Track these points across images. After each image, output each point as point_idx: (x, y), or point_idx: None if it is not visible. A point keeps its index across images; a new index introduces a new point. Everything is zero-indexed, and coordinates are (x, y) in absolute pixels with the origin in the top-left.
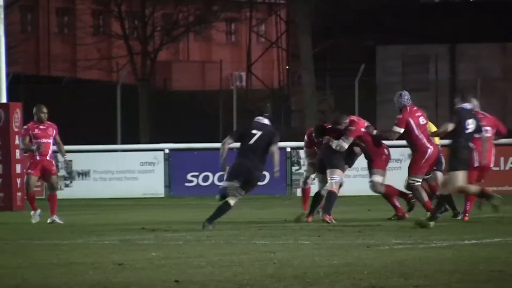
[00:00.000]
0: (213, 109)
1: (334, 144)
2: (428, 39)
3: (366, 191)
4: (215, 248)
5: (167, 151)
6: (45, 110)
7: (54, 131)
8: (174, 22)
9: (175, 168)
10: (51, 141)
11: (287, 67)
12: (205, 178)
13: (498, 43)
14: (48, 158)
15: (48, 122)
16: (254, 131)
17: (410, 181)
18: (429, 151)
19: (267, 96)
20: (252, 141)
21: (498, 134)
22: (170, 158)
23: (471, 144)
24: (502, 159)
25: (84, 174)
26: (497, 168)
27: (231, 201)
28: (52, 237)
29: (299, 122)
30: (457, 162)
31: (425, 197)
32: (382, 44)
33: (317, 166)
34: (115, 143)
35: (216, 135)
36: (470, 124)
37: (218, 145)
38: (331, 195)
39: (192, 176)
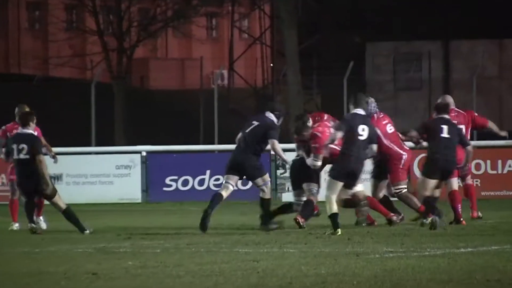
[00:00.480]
0: (193, 109)
1: (308, 162)
2: (420, 36)
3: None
4: (195, 256)
5: (144, 153)
6: (27, 110)
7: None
8: (152, 17)
9: (152, 172)
10: None
11: (272, 64)
12: (185, 182)
13: (494, 40)
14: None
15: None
16: (253, 122)
17: (396, 191)
18: (404, 157)
19: (250, 95)
20: (247, 131)
21: (480, 128)
22: (148, 161)
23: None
24: (499, 162)
25: (56, 178)
26: (494, 172)
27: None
28: (22, 245)
29: (284, 123)
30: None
31: (417, 202)
32: (372, 40)
33: (291, 182)
34: (89, 145)
35: (196, 137)
36: (362, 131)
37: (198, 147)
38: (310, 202)
39: (171, 180)
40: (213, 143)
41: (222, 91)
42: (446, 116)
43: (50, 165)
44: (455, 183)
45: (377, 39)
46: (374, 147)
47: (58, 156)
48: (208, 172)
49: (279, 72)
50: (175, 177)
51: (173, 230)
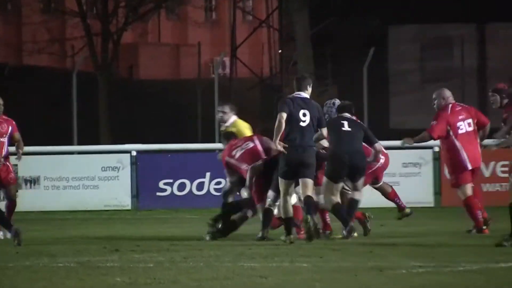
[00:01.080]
0: (189, 102)
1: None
2: (451, 18)
3: (379, 202)
4: (193, 271)
5: (134, 153)
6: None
7: (11, 128)
8: None
9: (143, 175)
10: (4, 140)
11: (280, 51)
12: (181, 187)
13: None
14: (2, 161)
15: (4, 117)
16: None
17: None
18: (381, 161)
19: (256, 86)
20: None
21: (480, 126)
22: (138, 162)
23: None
24: (492, 163)
25: (33, 181)
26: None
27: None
28: None
29: None
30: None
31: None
32: (395, 23)
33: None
34: (70, 143)
35: (194, 133)
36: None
37: (196, 146)
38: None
39: (165, 184)
40: (213, 141)
41: (223, 81)
42: (347, 115)
43: (25, 167)
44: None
45: (401, 21)
46: (324, 131)
47: (35, 157)
48: (208, 174)
49: (288, 60)
50: (170, 181)
51: (168, 242)
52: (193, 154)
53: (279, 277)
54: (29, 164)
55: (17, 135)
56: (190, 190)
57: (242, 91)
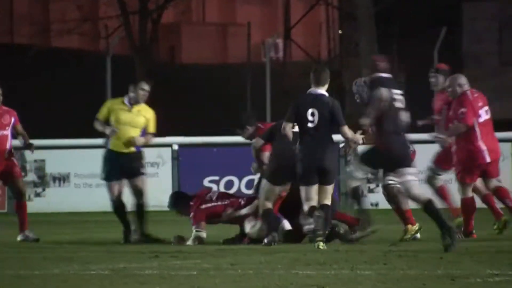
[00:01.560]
0: (238, 89)
1: None
2: None
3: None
4: (241, 280)
5: (175, 147)
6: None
7: (13, 119)
8: None
9: (186, 171)
10: (7, 132)
11: (340, 31)
12: (228, 185)
13: None
14: (6, 156)
15: (4, 107)
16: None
17: None
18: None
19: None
20: None
21: None
22: (180, 157)
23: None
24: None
25: (62, 179)
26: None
27: None
28: (18, 266)
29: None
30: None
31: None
32: (471, 0)
33: None
34: (103, 136)
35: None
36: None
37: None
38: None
39: (210, 181)
40: None
41: (275, 65)
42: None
43: (53, 162)
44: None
45: None
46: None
47: (63, 151)
48: None
49: (349, 41)
50: (216, 178)
51: (213, 246)
52: (242, 148)
53: (338, 287)
54: (57, 159)
55: (19, 127)
56: (239, 188)
57: (297, 76)
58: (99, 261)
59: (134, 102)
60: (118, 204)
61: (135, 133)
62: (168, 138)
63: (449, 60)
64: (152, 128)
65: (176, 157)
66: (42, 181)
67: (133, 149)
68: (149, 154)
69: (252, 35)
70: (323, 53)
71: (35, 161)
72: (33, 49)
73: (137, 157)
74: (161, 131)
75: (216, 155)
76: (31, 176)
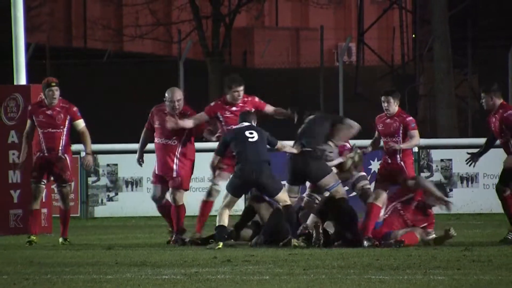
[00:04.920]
0: (311, 93)
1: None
2: None
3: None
4: (315, 285)
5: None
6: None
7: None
8: None
9: None
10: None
11: (414, 35)
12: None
13: None
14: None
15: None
16: None
17: None
18: None
19: (386, 75)
20: None
21: None
22: None
23: None
24: None
25: (134, 183)
26: None
27: None
28: (90, 270)
29: (430, 111)
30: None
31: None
32: None
33: None
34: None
35: None
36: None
37: None
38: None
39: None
40: None
41: (348, 70)
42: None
43: (126, 166)
44: None
45: None
46: None
47: (132, 155)
48: None
49: (423, 45)
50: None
51: (286, 251)
52: None
53: None
54: (130, 163)
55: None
56: None
57: (371, 81)
58: (171, 265)
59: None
60: None
61: None
62: None
63: None
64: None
65: None
66: (115, 185)
67: None
68: None
69: (325, 39)
70: (396, 57)
71: (108, 165)
72: (106, 54)
73: None
74: None
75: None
76: (104, 180)
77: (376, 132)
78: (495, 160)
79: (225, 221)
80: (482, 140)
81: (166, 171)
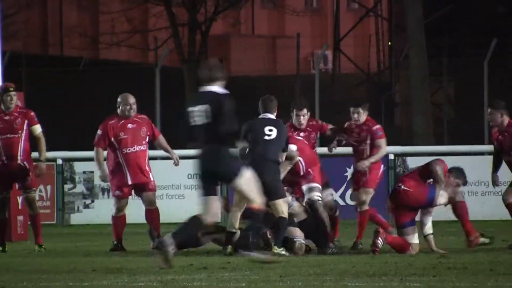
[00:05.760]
0: (287, 101)
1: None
2: None
3: (503, 214)
4: None
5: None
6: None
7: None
8: None
9: None
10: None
11: (389, 43)
12: None
13: None
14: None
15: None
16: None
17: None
18: None
19: (362, 83)
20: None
21: None
22: None
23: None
24: None
25: (109, 190)
26: None
27: None
28: (66, 277)
29: (406, 119)
30: None
31: None
32: None
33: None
34: (152, 148)
35: None
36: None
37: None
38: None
39: None
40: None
41: (325, 77)
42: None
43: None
44: None
45: None
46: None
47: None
48: None
49: (399, 53)
50: None
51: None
52: None
53: None
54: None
55: (36, 129)
56: None
57: (347, 88)
58: (148, 273)
59: None
60: None
61: None
62: None
63: (499, 73)
64: None
65: None
66: (91, 192)
67: None
68: None
69: (301, 47)
70: (372, 65)
71: (84, 172)
72: (82, 61)
73: None
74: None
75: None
76: (80, 188)
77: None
78: (473, 169)
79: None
80: (458, 148)
81: (141, 177)
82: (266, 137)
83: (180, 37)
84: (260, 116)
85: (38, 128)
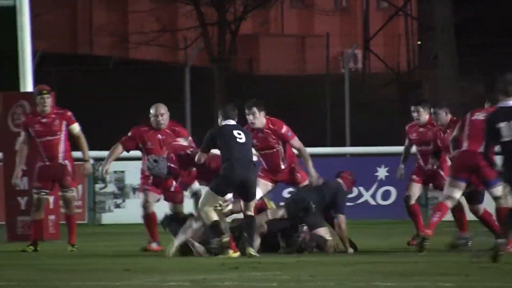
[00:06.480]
0: (316, 100)
1: None
2: None
3: None
4: None
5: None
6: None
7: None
8: None
9: None
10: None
11: (419, 42)
12: None
13: None
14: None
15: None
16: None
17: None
18: None
19: (391, 82)
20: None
21: None
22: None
23: None
24: None
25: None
26: None
27: None
28: (98, 277)
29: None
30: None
31: None
32: None
33: None
34: None
35: (322, 135)
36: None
37: (324, 150)
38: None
39: (290, 192)
40: (343, 145)
41: (354, 76)
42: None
43: (132, 173)
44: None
45: None
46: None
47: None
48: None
49: (428, 53)
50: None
51: (293, 258)
52: (322, 159)
53: None
54: (136, 170)
55: (75, 128)
56: None
57: (376, 87)
58: (179, 272)
59: None
60: None
61: None
62: None
63: None
64: None
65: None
66: (122, 192)
67: None
68: None
69: (331, 46)
70: (402, 64)
71: (115, 172)
72: (112, 61)
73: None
74: None
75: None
76: (111, 187)
77: (407, 141)
78: None
79: (215, 216)
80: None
81: (165, 185)
82: (239, 140)
83: (209, 37)
84: (223, 123)
85: (76, 127)
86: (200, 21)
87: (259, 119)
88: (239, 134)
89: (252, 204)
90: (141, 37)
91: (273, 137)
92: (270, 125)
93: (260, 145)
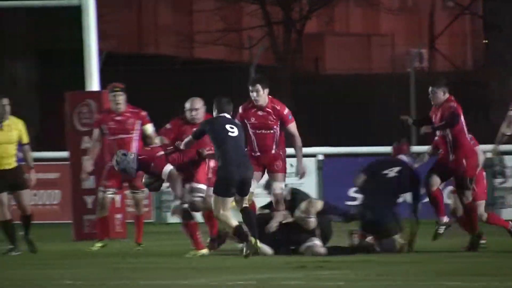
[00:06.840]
0: (382, 99)
1: None
2: None
3: None
4: None
5: (320, 157)
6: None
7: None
8: None
9: (330, 181)
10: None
11: (485, 41)
12: None
13: None
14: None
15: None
16: None
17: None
18: None
19: (457, 82)
20: None
21: None
22: (324, 167)
23: None
24: None
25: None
26: None
27: None
28: (164, 277)
29: (502, 117)
30: None
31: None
32: None
33: None
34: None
35: (387, 135)
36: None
37: (389, 148)
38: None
39: (356, 191)
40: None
41: (420, 75)
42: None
43: None
44: None
45: None
46: None
47: None
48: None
49: (494, 51)
50: None
51: (361, 256)
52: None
53: None
54: None
55: (149, 128)
56: None
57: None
58: (245, 271)
59: (1, 120)
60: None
61: (12, 149)
62: (312, 148)
63: None
64: (25, 139)
65: (320, 167)
66: None
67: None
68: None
69: (397, 45)
70: (468, 63)
71: None
72: (178, 60)
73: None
74: (305, 142)
75: (361, 165)
76: None
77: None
78: None
79: (234, 222)
80: None
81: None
82: (231, 134)
83: (275, 36)
84: (216, 116)
85: (150, 128)
86: (266, 20)
87: (262, 96)
88: (232, 128)
89: (247, 197)
90: (206, 37)
91: (273, 117)
92: (273, 105)
93: (258, 124)
